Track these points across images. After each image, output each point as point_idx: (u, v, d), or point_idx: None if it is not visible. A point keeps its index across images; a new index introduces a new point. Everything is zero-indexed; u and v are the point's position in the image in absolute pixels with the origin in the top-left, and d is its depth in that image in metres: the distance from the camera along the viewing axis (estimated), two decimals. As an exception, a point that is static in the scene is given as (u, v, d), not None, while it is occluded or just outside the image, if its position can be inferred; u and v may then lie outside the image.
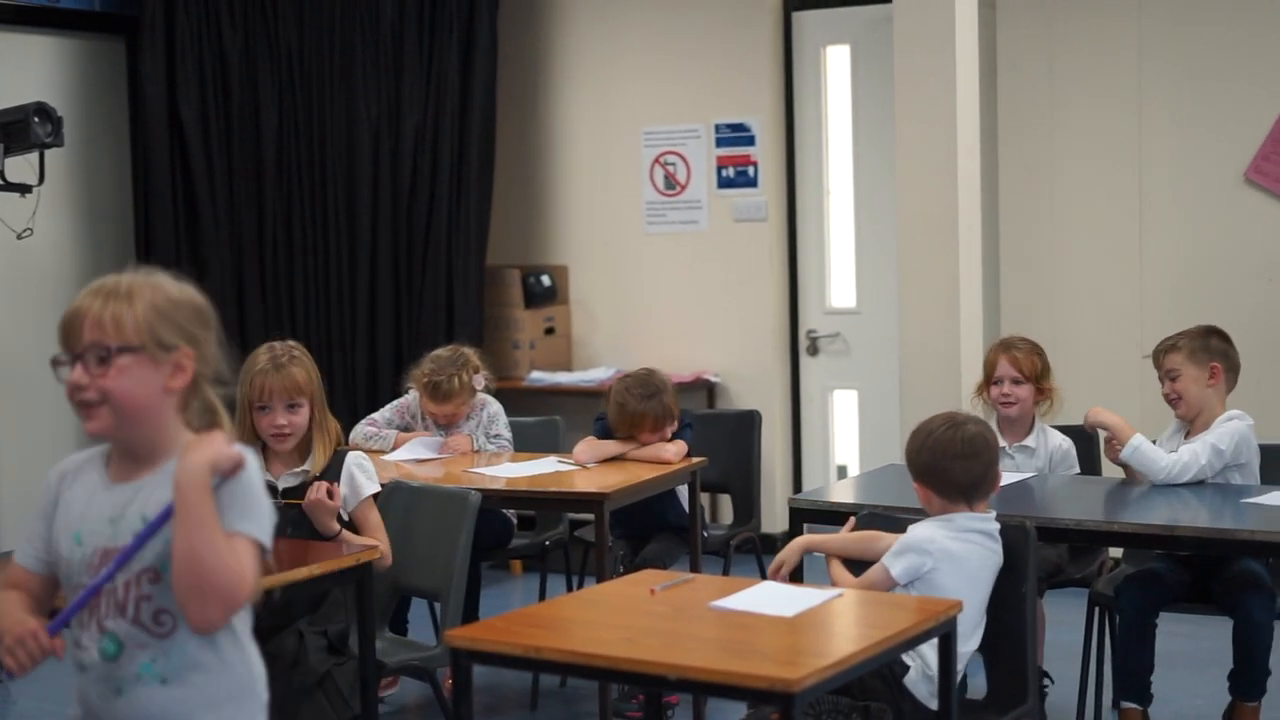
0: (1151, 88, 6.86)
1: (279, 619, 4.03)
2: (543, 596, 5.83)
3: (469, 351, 5.65)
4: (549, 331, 8.02)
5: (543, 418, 6.12)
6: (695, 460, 5.37)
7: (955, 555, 3.72)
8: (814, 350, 7.73)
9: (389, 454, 5.53)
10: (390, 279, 7.83)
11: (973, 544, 3.76)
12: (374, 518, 4.20)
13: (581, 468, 5.24)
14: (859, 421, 7.71)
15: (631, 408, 5.32)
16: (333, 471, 4.18)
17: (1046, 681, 5.10)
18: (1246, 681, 4.56)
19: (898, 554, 3.71)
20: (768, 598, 3.36)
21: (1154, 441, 4.77)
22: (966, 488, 3.83)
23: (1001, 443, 5.18)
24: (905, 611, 3.31)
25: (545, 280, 7.97)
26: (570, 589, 5.91)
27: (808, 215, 7.70)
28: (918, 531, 3.76)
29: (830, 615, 3.24)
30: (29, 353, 7.24)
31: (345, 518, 4.17)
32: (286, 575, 3.73)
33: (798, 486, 7.74)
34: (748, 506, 6.05)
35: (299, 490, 4.14)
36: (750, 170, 7.66)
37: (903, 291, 6.41)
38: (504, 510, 5.64)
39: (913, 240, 6.36)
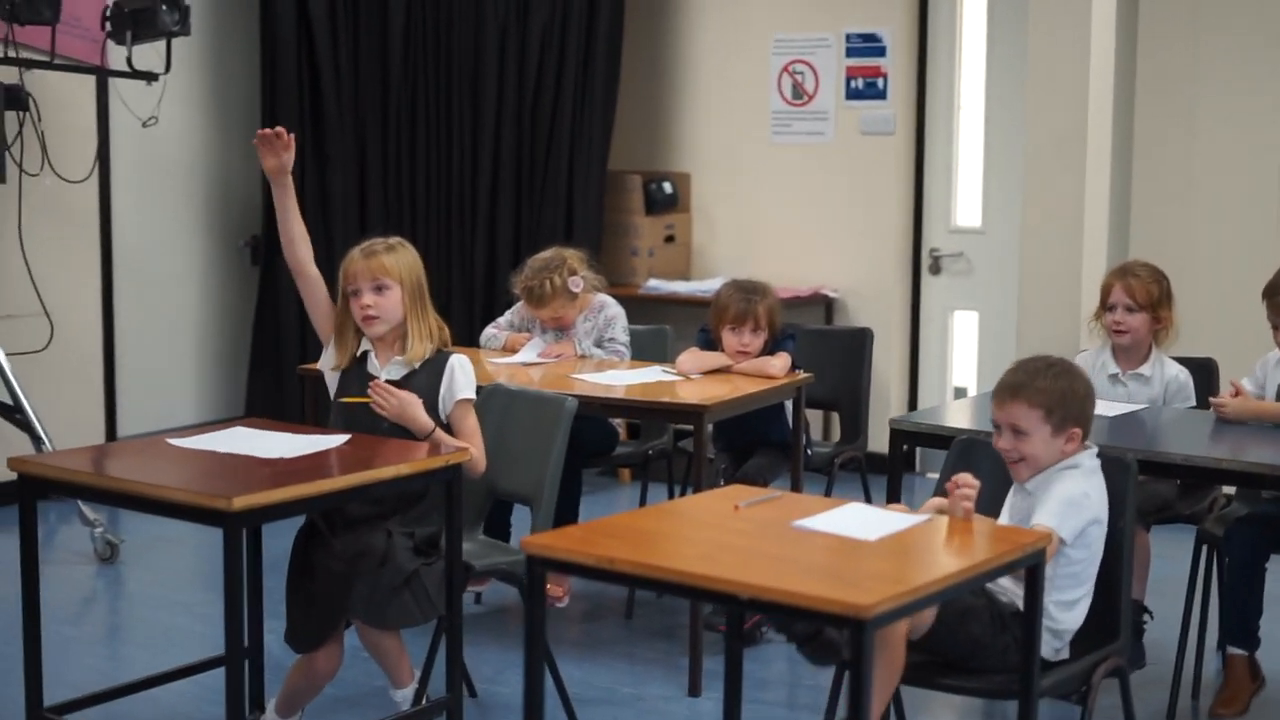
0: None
1: (372, 516, 4.04)
2: (643, 505, 5.81)
3: (570, 253, 5.60)
4: (669, 239, 7.96)
5: (653, 326, 6.06)
6: (801, 376, 5.30)
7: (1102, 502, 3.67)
8: (936, 269, 7.59)
9: (501, 358, 5.54)
10: (512, 179, 7.80)
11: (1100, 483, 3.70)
12: (470, 421, 4.18)
13: (685, 378, 5.19)
14: (979, 343, 7.57)
15: (722, 299, 5.28)
16: (434, 369, 4.16)
17: (1147, 617, 4.99)
18: None
19: (1062, 515, 3.59)
20: (853, 520, 3.29)
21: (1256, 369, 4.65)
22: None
23: (1114, 369, 5.06)
24: (991, 540, 3.23)
25: (667, 187, 7.89)
26: (671, 499, 5.89)
27: (936, 131, 7.54)
28: (1074, 487, 3.64)
29: (913, 541, 3.17)
30: (154, 238, 7.37)
31: (444, 419, 4.15)
32: (374, 473, 3.73)
33: (913, 406, 7.64)
34: (855, 425, 5.98)
35: (406, 381, 4.13)
36: (880, 82, 7.50)
37: (1026, 211, 6.26)
38: (611, 419, 5.63)
39: (1039, 159, 6.21)
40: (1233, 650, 4.53)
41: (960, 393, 7.60)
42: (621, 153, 7.97)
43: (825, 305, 7.62)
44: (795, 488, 5.36)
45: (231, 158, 7.63)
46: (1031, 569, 3.22)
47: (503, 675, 4.84)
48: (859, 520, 3.29)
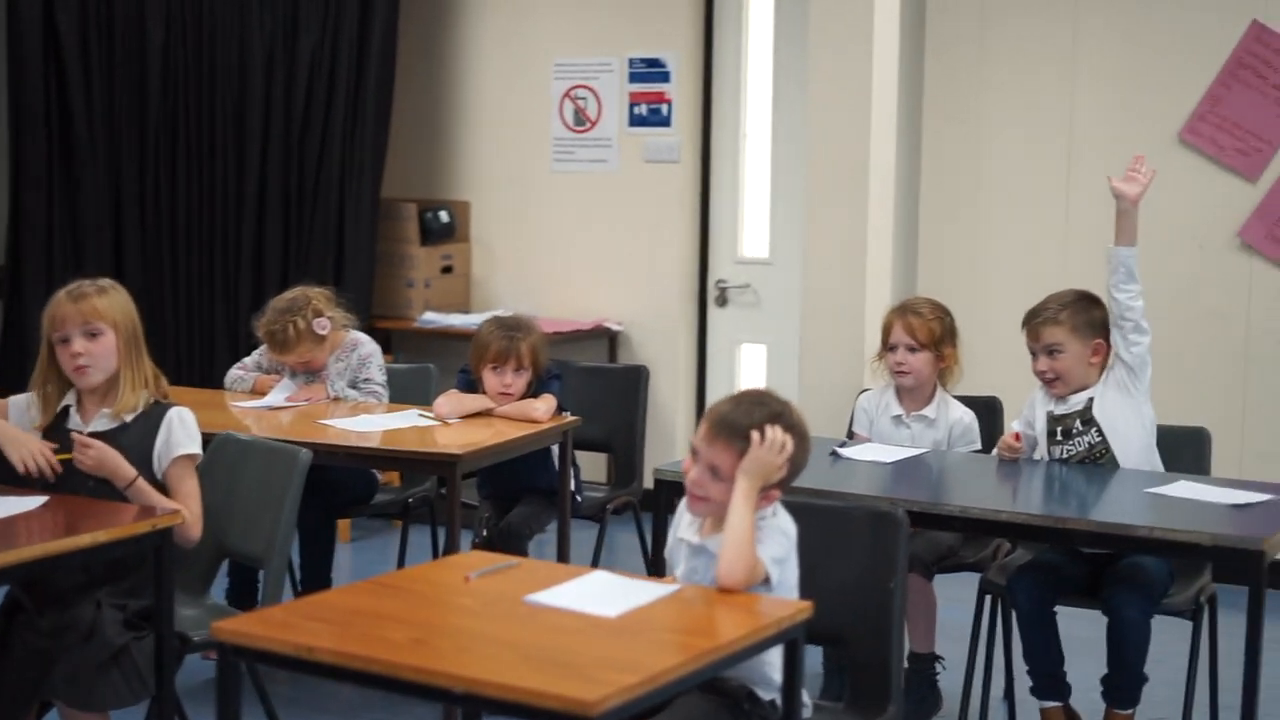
0: (1085, 45, 6.45)
1: (80, 586, 3.63)
2: (402, 557, 5.44)
3: (315, 292, 5.22)
4: (446, 270, 7.59)
5: (413, 365, 5.70)
6: (567, 419, 4.98)
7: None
8: (723, 301, 7.34)
9: (245, 400, 5.15)
10: (280, 207, 7.39)
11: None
12: (188, 481, 3.78)
13: (443, 423, 4.84)
14: (767, 377, 7.32)
15: (483, 337, 4.96)
16: (149, 422, 3.76)
17: (940, 665, 4.76)
18: (1115, 686, 4.20)
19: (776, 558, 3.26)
20: (593, 591, 2.97)
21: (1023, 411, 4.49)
22: None
23: (898, 411, 4.83)
24: (747, 614, 2.92)
25: (444, 216, 7.53)
26: (435, 551, 5.54)
27: (722, 159, 7.28)
28: (781, 522, 3.33)
29: (658, 617, 2.85)
30: None
31: (158, 477, 3.76)
32: (67, 541, 3.33)
33: (701, 444, 7.35)
34: (630, 468, 5.67)
35: (115, 435, 3.72)
36: (664, 109, 7.23)
37: (808, 244, 6.03)
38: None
39: (820, 188, 5.98)
40: (1045, 705, 4.29)
41: (749, 429, 7.34)
42: (396, 180, 7.60)
43: (609, 338, 7.32)
44: (563, 537, 5.05)
45: (-29, 184, 7.10)
46: (791, 644, 2.93)
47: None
48: (600, 592, 2.97)
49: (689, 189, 7.26)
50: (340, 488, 5.16)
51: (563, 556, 5.08)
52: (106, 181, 7.11)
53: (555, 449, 5.08)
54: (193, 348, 7.34)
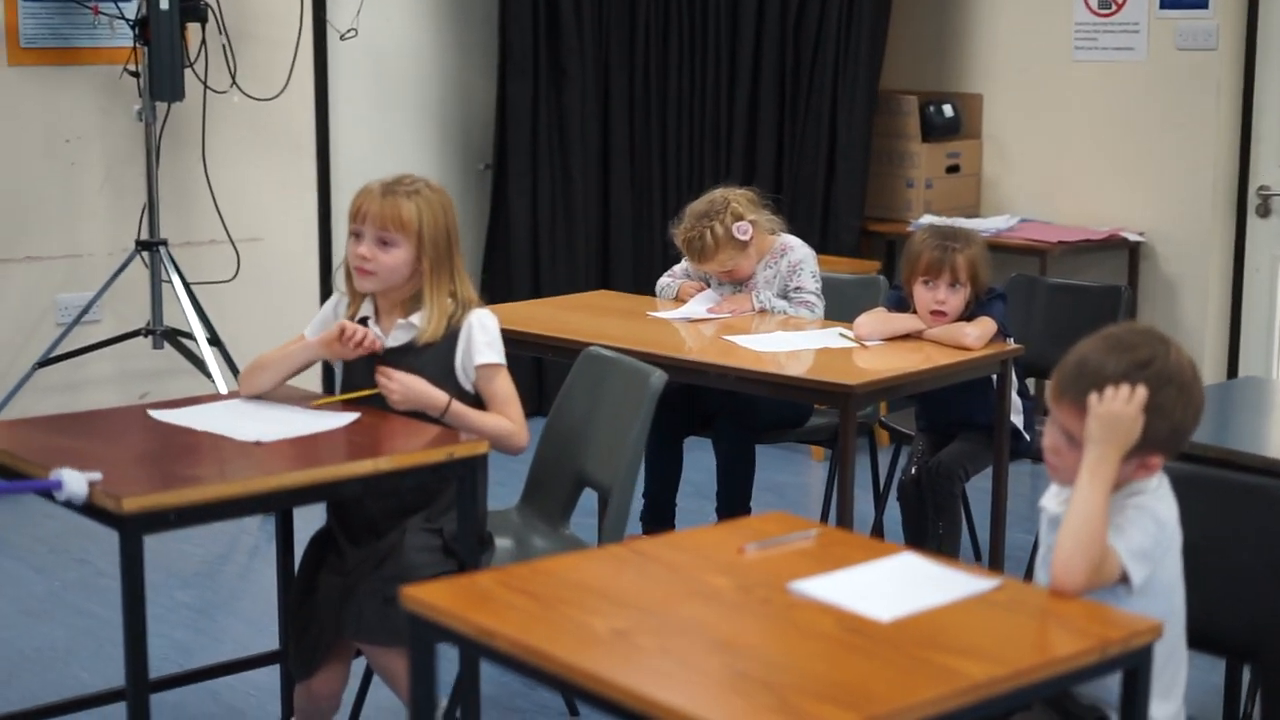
0: None
1: (389, 512, 3.33)
2: (828, 493, 4.90)
3: (735, 194, 4.71)
4: (951, 170, 6.91)
5: (859, 275, 5.10)
6: (1007, 347, 4.29)
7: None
8: (1264, 211, 6.32)
9: (668, 310, 4.74)
10: (774, 100, 6.93)
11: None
12: (497, 385, 3.36)
13: (860, 345, 4.26)
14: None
15: (914, 247, 4.33)
16: (452, 335, 3.38)
17: None
18: None
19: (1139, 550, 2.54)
20: (882, 583, 2.36)
21: None
22: None
23: None
24: (1069, 630, 2.24)
25: (948, 110, 6.84)
26: (876, 486, 4.98)
27: (1269, 46, 6.24)
28: (1156, 502, 2.59)
29: (942, 625, 2.22)
30: (380, 159, 6.60)
31: (469, 389, 3.38)
32: (333, 470, 3.02)
33: (1232, 374, 6.42)
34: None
35: (415, 349, 3.38)
36: (1202, -14, 6.27)
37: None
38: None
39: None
40: None
41: (1291, 360, 6.35)
42: (896, 71, 6.97)
43: (1128, 250, 6.46)
44: (998, 480, 4.39)
45: (472, 77, 6.96)
46: (1130, 674, 2.23)
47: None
48: (890, 583, 2.37)
49: (1229, 80, 6.26)
50: (764, 409, 4.67)
51: (997, 503, 4.41)
52: (595, 73, 6.83)
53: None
54: (680, 245, 7.00)
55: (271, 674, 3.84)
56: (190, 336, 5.69)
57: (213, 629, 4.55)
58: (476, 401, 3.39)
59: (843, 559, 2.47)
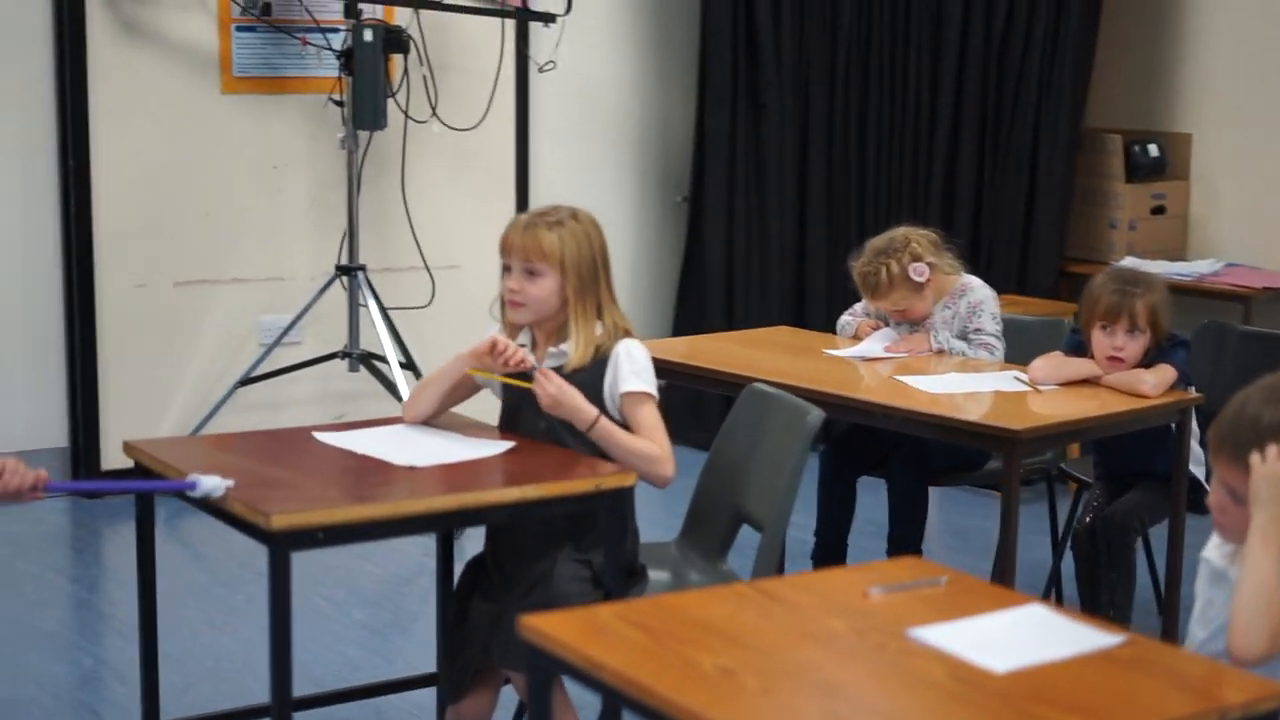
0: None
1: (540, 540, 3.37)
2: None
3: (917, 234, 4.67)
4: (1157, 211, 6.76)
5: (1043, 317, 5.01)
6: (1186, 396, 4.18)
7: None
8: None
9: (847, 348, 4.71)
10: (975, 135, 6.86)
11: None
12: (644, 416, 3.37)
13: (1033, 389, 4.19)
14: None
15: (1094, 290, 4.24)
16: (599, 362, 3.42)
17: None
18: None
19: None
20: (1003, 634, 2.32)
21: None
22: None
23: None
24: (1189, 691, 2.18)
25: (1153, 149, 6.69)
26: (1055, 533, 4.88)
27: None
28: None
29: (1057, 681, 2.17)
30: (578, 189, 6.69)
31: (618, 416, 3.41)
32: (497, 494, 3.07)
33: None
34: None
35: (565, 373, 3.42)
36: None
37: None
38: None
39: None
40: None
41: None
42: (1101, 109, 6.84)
43: (1333, 304, 6.25)
44: (1174, 533, 4.26)
45: (671, 109, 7.02)
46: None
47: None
48: (1012, 635, 2.32)
49: None
50: (937, 451, 4.62)
51: (1173, 555, 4.29)
52: (793, 105, 6.84)
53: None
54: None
55: (433, 695, 3.92)
56: (385, 360, 5.84)
57: (385, 648, 4.65)
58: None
59: (969, 607, 2.43)
